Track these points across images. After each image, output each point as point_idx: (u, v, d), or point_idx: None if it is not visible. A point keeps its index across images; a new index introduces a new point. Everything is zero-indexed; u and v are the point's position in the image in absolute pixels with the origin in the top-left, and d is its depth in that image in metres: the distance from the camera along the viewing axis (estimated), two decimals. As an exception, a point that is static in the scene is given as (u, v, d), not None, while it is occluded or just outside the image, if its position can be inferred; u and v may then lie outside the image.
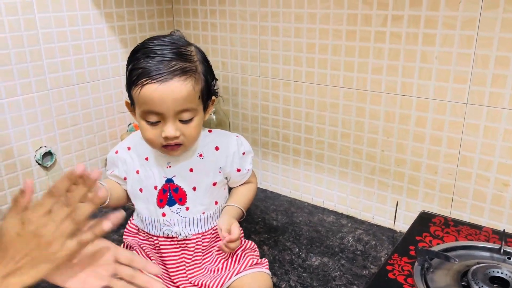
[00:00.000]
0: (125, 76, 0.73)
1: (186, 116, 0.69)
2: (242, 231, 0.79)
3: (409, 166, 0.91)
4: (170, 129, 0.69)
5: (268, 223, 1.00)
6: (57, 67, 0.96)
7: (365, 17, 0.87)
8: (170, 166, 0.77)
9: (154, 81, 0.66)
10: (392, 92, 0.88)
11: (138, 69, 0.68)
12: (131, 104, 0.73)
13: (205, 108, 0.74)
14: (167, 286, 0.75)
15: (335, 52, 0.93)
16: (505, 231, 0.76)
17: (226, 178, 0.81)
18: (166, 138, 0.69)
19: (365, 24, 0.87)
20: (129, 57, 0.72)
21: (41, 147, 0.97)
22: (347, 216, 1.03)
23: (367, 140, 0.95)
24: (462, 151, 0.84)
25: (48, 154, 0.98)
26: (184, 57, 0.69)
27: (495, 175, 0.81)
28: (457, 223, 0.84)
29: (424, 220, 0.85)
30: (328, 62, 0.95)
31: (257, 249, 0.81)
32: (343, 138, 0.99)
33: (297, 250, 0.90)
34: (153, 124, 0.70)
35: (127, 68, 0.71)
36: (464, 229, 0.81)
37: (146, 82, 0.67)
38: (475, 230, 0.81)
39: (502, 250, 0.73)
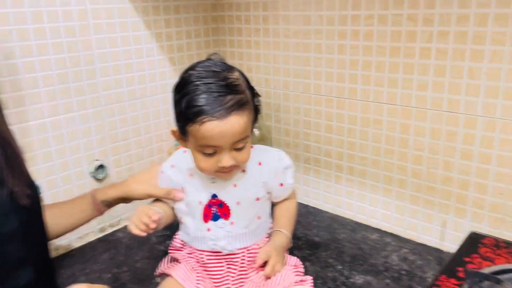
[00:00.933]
0: (173, 100, 0.73)
1: (241, 144, 0.72)
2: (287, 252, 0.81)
3: (457, 184, 0.88)
4: (227, 159, 0.71)
5: (310, 239, 1.00)
6: (110, 85, 1.02)
7: (409, 34, 0.87)
8: (214, 182, 0.79)
9: (214, 118, 0.67)
10: (438, 108, 0.87)
11: (195, 106, 0.68)
12: (182, 134, 0.74)
13: (252, 129, 0.76)
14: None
15: (379, 69, 0.93)
16: (562, 255, 0.72)
17: (269, 193, 0.82)
18: (222, 168, 0.72)
19: (409, 40, 0.87)
20: (178, 90, 0.72)
21: (94, 160, 1.02)
22: (392, 234, 1.01)
23: (412, 157, 0.94)
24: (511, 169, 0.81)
25: (101, 167, 1.03)
26: (235, 89, 0.70)
27: (550, 196, 0.78)
28: (509, 244, 0.80)
29: (474, 241, 0.82)
30: (371, 79, 0.95)
31: (302, 266, 0.81)
32: (386, 154, 0.97)
33: (340, 267, 0.89)
34: (209, 155, 0.72)
35: (177, 101, 0.71)
36: (517, 252, 0.78)
37: (205, 119, 0.68)
38: (529, 253, 0.77)
39: (559, 275, 0.69)
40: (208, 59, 0.77)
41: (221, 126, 0.68)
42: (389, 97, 0.93)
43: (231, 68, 0.74)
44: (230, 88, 0.70)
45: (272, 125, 1.18)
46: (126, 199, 0.86)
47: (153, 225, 0.73)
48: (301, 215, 1.10)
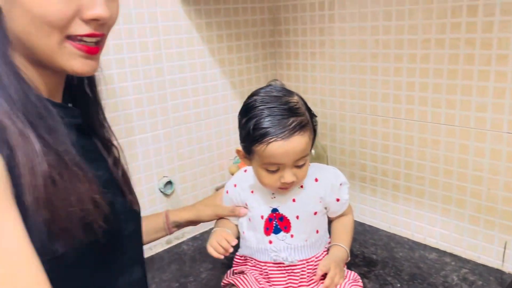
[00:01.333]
0: (239, 123, 0.80)
1: (301, 162, 0.78)
2: (345, 266, 0.84)
3: (519, 205, 0.88)
4: (289, 176, 0.77)
5: (368, 256, 1.02)
6: (178, 108, 1.11)
7: (467, 57, 0.88)
8: (274, 197, 0.85)
9: (279, 139, 0.74)
10: (498, 130, 0.87)
11: (261, 129, 0.75)
12: (247, 154, 0.81)
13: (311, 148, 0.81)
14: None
15: (436, 90, 0.95)
16: None
17: (326, 208, 0.86)
18: (284, 184, 0.78)
19: (467, 63, 0.89)
20: (244, 114, 0.79)
21: (163, 177, 1.11)
22: (451, 254, 1.01)
23: (471, 177, 0.94)
24: None
25: (169, 183, 1.12)
26: (296, 112, 0.77)
27: None
28: None
29: (538, 263, 0.81)
30: (428, 100, 0.97)
31: (361, 281, 0.84)
32: (445, 174, 0.98)
33: (398, 285, 0.91)
34: (272, 172, 0.79)
35: (244, 124, 0.78)
36: None
37: (271, 140, 0.75)
38: None
39: None
40: (269, 85, 0.84)
41: (285, 146, 0.75)
42: (447, 118, 0.95)
43: (290, 93, 0.81)
44: (291, 111, 0.77)
45: (328, 144, 1.22)
46: (195, 222, 0.94)
47: (231, 250, 0.81)
48: (358, 233, 1.13)
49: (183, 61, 1.10)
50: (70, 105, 0.63)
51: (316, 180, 0.86)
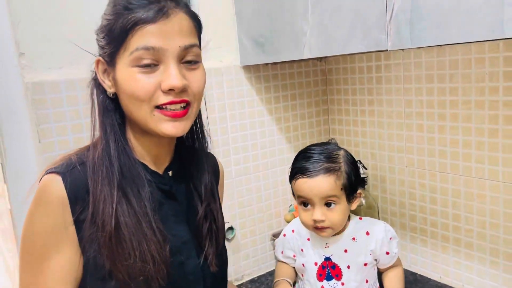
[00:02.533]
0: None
1: (330, 201, 0.89)
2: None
3: None
4: (318, 214, 0.89)
5: (417, 305, 1.07)
6: (239, 161, 1.25)
7: (506, 117, 0.95)
8: (328, 246, 0.94)
9: (305, 176, 0.89)
10: (541, 186, 0.92)
11: (296, 168, 0.92)
12: (293, 194, 0.95)
13: (350, 199, 0.91)
14: None
15: (479, 147, 1.01)
16: None
17: (376, 259, 0.93)
18: (314, 221, 0.89)
19: (507, 123, 0.95)
20: (295, 159, 0.96)
21: (226, 222, 1.24)
22: (502, 307, 1.03)
23: (518, 231, 0.98)
24: None
25: (230, 228, 1.24)
26: (331, 160, 0.90)
27: None
28: None
29: None
30: (472, 156, 1.03)
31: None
32: (492, 228, 1.02)
33: (446, 335, 0.94)
34: (305, 208, 0.91)
35: (290, 170, 0.95)
36: None
37: (299, 177, 0.90)
38: None
39: None
40: (327, 142, 0.97)
41: (309, 183, 0.89)
42: (491, 173, 1.00)
43: (339, 148, 0.93)
44: (326, 158, 0.90)
45: (379, 195, 1.29)
46: None
47: None
48: (409, 282, 1.17)
49: (244, 120, 1.24)
50: (169, 173, 0.74)
51: (368, 233, 0.94)
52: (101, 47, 0.68)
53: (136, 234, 0.64)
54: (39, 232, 0.64)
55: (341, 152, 0.93)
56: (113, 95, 0.69)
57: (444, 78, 1.06)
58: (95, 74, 0.71)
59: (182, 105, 0.66)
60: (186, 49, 0.65)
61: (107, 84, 0.69)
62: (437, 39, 0.72)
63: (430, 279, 1.18)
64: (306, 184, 0.89)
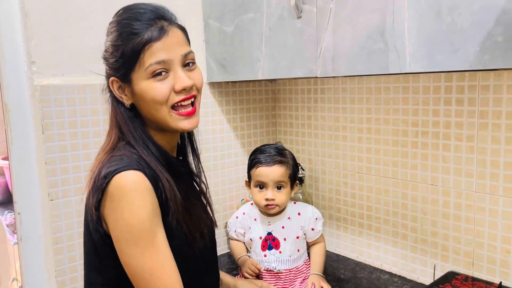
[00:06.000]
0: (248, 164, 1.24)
1: (280, 185, 1.18)
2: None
3: (441, 237, 1.24)
4: (269, 194, 1.17)
5: (338, 276, 1.37)
6: (202, 160, 1.51)
7: (393, 130, 1.29)
8: (270, 224, 1.23)
9: (264, 165, 1.18)
10: (424, 182, 1.26)
11: (256, 159, 1.20)
12: (249, 180, 1.23)
13: (292, 186, 1.21)
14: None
15: (386, 153, 1.35)
16: (501, 283, 1.05)
17: (305, 234, 1.23)
18: (267, 200, 1.17)
19: (387, 133, 1.29)
20: (250, 156, 1.25)
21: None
22: (400, 276, 1.35)
23: (410, 217, 1.31)
24: (476, 226, 1.16)
25: (192, 215, 1.49)
26: (282, 155, 1.20)
27: (500, 245, 1.12)
28: (474, 279, 1.13)
29: (450, 276, 1.16)
30: (380, 160, 1.37)
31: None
32: (394, 215, 1.35)
33: (356, 293, 1.25)
34: (261, 191, 1.19)
35: (249, 162, 1.24)
36: (478, 284, 1.11)
37: (259, 166, 1.18)
38: (486, 284, 1.10)
39: (499, 296, 1.02)
40: (275, 143, 1.27)
41: (267, 170, 1.17)
42: (393, 173, 1.34)
43: (285, 149, 1.23)
44: (278, 152, 1.21)
45: (313, 192, 1.60)
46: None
47: (259, 273, 1.18)
48: (333, 260, 1.48)
49: (208, 126, 1.52)
50: (180, 158, 0.96)
51: (299, 214, 1.24)
52: (115, 69, 0.82)
53: (190, 205, 0.85)
54: (144, 218, 0.75)
55: (287, 151, 1.24)
56: (130, 105, 0.84)
57: (362, 100, 1.40)
58: (110, 91, 0.85)
59: (192, 100, 0.83)
60: (186, 55, 0.83)
61: (124, 98, 0.84)
62: (348, 71, 1.04)
63: (349, 258, 1.49)
64: (265, 171, 1.18)
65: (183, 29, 0.86)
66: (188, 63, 0.84)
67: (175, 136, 0.93)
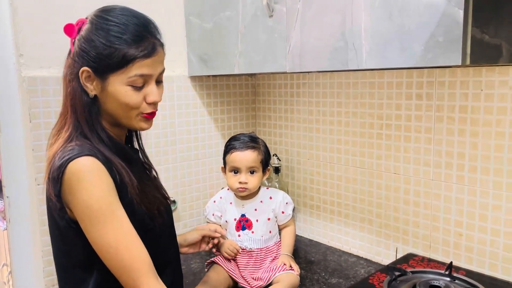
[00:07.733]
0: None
1: (253, 170, 1.27)
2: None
3: (402, 222, 1.34)
4: (242, 177, 1.27)
5: (308, 259, 1.46)
6: (183, 149, 1.60)
7: (353, 122, 1.38)
8: (244, 206, 1.32)
9: (238, 150, 1.28)
10: (388, 171, 1.35)
11: (231, 145, 1.30)
12: (224, 167, 1.32)
13: (264, 171, 1.31)
14: (239, 281, 1.25)
15: (354, 144, 1.44)
16: (452, 263, 1.15)
17: (276, 216, 1.33)
18: (240, 183, 1.27)
19: (355, 126, 1.38)
20: (225, 143, 1.35)
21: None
22: (365, 259, 1.45)
23: (375, 204, 1.41)
24: (432, 211, 1.26)
25: (173, 202, 1.58)
26: (254, 142, 1.30)
27: (453, 228, 1.22)
28: (430, 260, 1.23)
29: (408, 257, 1.26)
30: (349, 151, 1.46)
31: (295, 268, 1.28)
32: (361, 202, 1.45)
33: (323, 274, 1.34)
34: (235, 175, 1.29)
35: (224, 149, 1.33)
36: (432, 264, 1.21)
37: (233, 151, 1.28)
38: (438, 264, 1.20)
39: (448, 273, 1.12)
40: (249, 133, 1.36)
41: (240, 155, 1.27)
42: (361, 163, 1.43)
43: (258, 137, 1.33)
44: (251, 140, 1.30)
45: (289, 181, 1.69)
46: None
47: (238, 253, 1.26)
48: (306, 245, 1.57)
49: (189, 118, 1.61)
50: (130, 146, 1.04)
51: (271, 198, 1.34)
52: (92, 62, 0.85)
53: (144, 186, 0.92)
54: (102, 195, 0.81)
55: (260, 139, 1.33)
56: (93, 96, 0.87)
57: (334, 95, 1.49)
58: (76, 79, 0.87)
59: None
60: (161, 73, 0.91)
61: (89, 88, 0.87)
62: (314, 66, 1.13)
63: (321, 243, 1.59)
64: (238, 156, 1.27)
65: (163, 47, 0.92)
66: (160, 80, 0.92)
67: (124, 132, 1.00)
